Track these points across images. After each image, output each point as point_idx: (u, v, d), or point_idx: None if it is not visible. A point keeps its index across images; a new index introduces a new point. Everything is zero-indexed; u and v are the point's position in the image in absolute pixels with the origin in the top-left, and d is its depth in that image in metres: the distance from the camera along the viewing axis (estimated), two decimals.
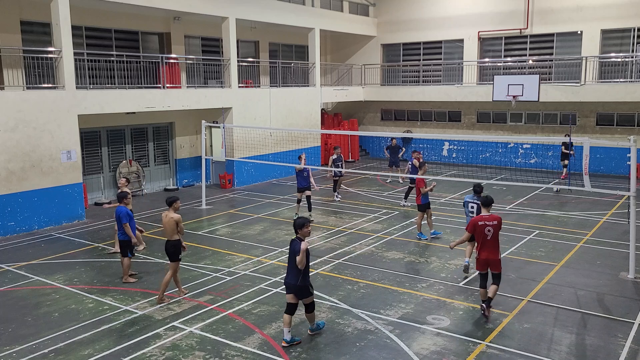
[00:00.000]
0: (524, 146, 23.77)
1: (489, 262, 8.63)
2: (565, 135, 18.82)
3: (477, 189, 11.03)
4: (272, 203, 17.46)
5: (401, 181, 20.59)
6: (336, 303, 9.36)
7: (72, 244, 13.18)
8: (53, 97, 14.61)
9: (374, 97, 26.86)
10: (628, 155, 10.71)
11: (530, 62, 23.63)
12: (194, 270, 11.00)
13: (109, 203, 12.55)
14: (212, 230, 14.25)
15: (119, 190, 11.99)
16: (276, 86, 22.44)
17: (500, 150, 24.36)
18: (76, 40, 16.33)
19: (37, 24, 16.23)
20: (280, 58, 24.81)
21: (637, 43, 21.31)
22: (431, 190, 12.94)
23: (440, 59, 26.03)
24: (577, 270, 10.86)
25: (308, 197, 15.31)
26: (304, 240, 7.72)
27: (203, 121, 17.50)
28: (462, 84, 24.47)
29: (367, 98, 26.98)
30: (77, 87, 15.22)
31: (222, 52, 20.09)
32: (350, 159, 26.29)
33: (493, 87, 21.13)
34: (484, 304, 8.68)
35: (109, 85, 16.81)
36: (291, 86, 23.25)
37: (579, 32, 22.52)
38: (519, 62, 23.90)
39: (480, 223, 8.59)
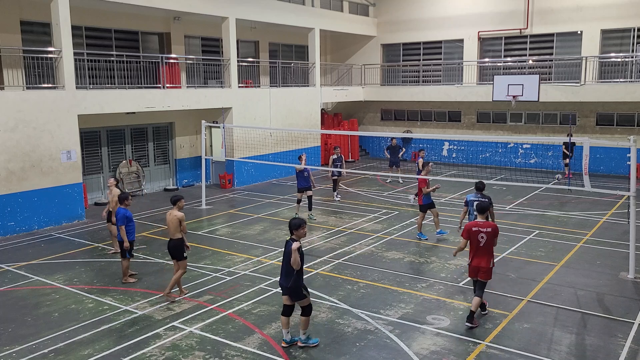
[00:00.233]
0: (524, 146, 23.78)
1: (479, 269, 8.42)
2: (567, 135, 18.83)
3: (480, 186, 11.02)
4: (272, 203, 17.47)
5: (401, 181, 20.60)
6: (336, 303, 9.36)
7: (72, 244, 13.18)
8: (53, 97, 14.61)
9: (374, 97, 26.86)
10: (628, 155, 10.70)
11: (530, 62, 23.63)
12: (194, 270, 10.99)
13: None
14: (212, 230, 14.25)
15: (109, 191, 11.99)
16: (276, 86, 22.44)
17: (500, 150, 24.36)
18: (76, 40, 16.33)
19: (37, 24, 16.23)
20: (280, 58, 24.81)
21: (637, 43, 21.31)
22: (433, 191, 12.91)
23: (440, 59, 26.03)
24: (577, 270, 10.86)
25: (309, 197, 15.31)
26: (298, 242, 7.56)
27: (203, 121, 17.50)
28: (462, 84, 24.47)
29: (367, 98, 26.98)
30: (77, 87, 15.22)
31: (222, 52, 20.09)
32: (350, 159, 26.29)
33: (493, 87, 21.14)
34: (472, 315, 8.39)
35: (109, 85, 16.81)
36: (291, 86, 23.26)
37: (579, 32, 22.52)
38: (519, 62, 23.90)
39: (474, 229, 8.42)
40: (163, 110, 17.95)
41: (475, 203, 11.00)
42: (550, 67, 23.20)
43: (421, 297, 9.58)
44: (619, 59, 21.44)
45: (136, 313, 9.02)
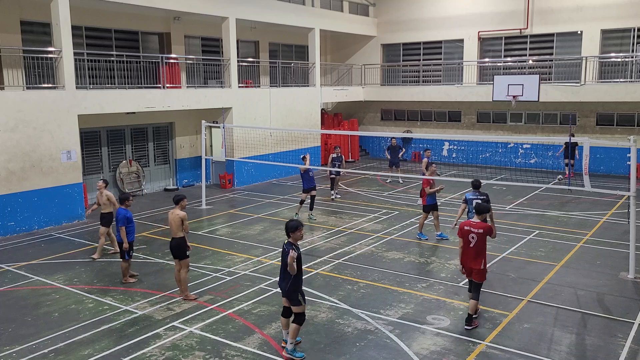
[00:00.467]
0: (524, 146, 23.78)
1: (471, 270, 8.30)
2: (568, 135, 18.84)
3: (476, 184, 11.05)
4: (272, 203, 17.46)
5: (401, 181, 20.60)
6: (336, 303, 9.36)
7: (72, 244, 13.18)
8: (53, 97, 14.61)
9: (374, 97, 26.86)
10: (628, 155, 10.70)
11: (530, 62, 23.63)
12: (194, 270, 10.98)
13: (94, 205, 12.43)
14: (212, 230, 14.25)
15: (99, 193, 11.95)
16: (276, 86, 22.44)
17: (500, 150, 24.36)
18: (76, 40, 16.32)
19: (37, 24, 16.23)
20: (280, 58, 24.81)
21: (637, 43, 21.31)
22: (437, 191, 12.89)
23: (440, 59, 26.03)
24: (577, 270, 10.86)
25: (312, 197, 15.32)
26: (295, 244, 7.42)
27: (203, 121, 17.50)
28: (462, 84, 24.47)
29: (367, 98, 26.98)
30: (77, 87, 15.22)
31: (222, 52, 20.09)
32: (350, 159, 26.30)
33: (493, 87, 21.15)
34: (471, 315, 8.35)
35: (109, 85, 16.81)
36: (291, 86, 23.26)
37: (579, 32, 22.52)
38: (519, 62, 23.90)
39: (466, 228, 8.29)
40: (163, 110, 17.95)
41: (474, 201, 11.04)
42: (550, 67, 23.20)
43: (421, 297, 9.59)
44: (619, 59, 21.43)
45: (136, 313, 9.02)
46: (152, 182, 19.67)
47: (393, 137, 21.42)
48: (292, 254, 7.22)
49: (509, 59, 24.11)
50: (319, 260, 11.67)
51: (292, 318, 7.58)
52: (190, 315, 8.90)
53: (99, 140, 17.89)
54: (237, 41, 20.40)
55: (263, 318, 8.78)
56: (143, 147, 19.36)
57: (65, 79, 14.78)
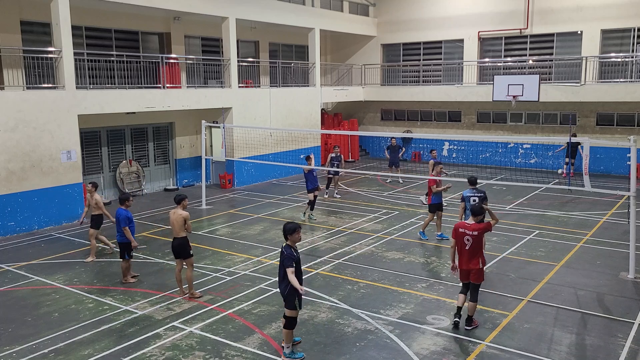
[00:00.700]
0: (524, 146, 23.77)
1: (470, 272, 8.18)
2: (570, 135, 18.88)
3: (472, 180, 11.05)
4: (272, 203, 17.47)
5: (401, 181, 20.60)
6: (336, 303, 9.36)
7: (72, 244, 13.18)
8: (53, 97, 14.61)
9: (374, 97, 26.86)
10: (628, 155, 10.71)
11: (530, 62, 23.63)
12: (194, 270, 10.96)
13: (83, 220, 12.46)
14: (212, 230, 14.25)
15: (89, 195, 11.90)
16: (276, 86, 22.44)
17: (500, 150, 24.36)
18: (76, 40, 16.32)
19: (37, 24, 16.23)
20: (280, 58, 24.81)
21: (637, 43, 21.31)
22: (445, 190, 12.86)
23: (440, 59, 26.03)
24: (577, 270, 10.86)
25: (315, 197, 15.32)
26: (293, 247, 7.31)
27: (203, 121, 17.50)
28: (462, 84, 24.47)
29: (367, 98, 26.98)
30: (77, 87, 15.22)
31: (222, 52, 20.09)
32: (350, 159, 26.30)
33: (493, 87, 21.15)
34: (458, 316, 8.24)
35: (109, 85, 16.81)
36: (291, 86, 23.26)
37: (579, 32, 22.51)
38: (519, 62, 23.90)
39: (460, 230, 8.17)
40: (163, 110, 17.95)
41: (471, 199, 11.06)
42: (550, 67, 23.20)
43: (421, 297, 9.59)
44: (619, 59, 21.43)
45: (136, 313, 9.02)
46: (152, 182, 19.67)
47: (393, 137, 21.44)
48: (291, 271, 7.16)
49: (509, 59, 24.11)
50: (319, 260, 11.67)
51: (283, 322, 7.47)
52: (190, 315, 8.90)
53: (99, 140, 17.89)
54: (237, 41, 20.40)
55: (263, 318, 8.78)
56: (143, 147, 19.36)
57: (65, 79, 14.78)
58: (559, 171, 21.31)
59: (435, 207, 12.92)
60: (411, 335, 8.15)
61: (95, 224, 11.90)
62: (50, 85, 15.13)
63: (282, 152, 21.44)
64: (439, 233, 13.16)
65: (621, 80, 20.87)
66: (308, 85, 23.89)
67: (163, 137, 20.01)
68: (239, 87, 20.29)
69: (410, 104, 26.45)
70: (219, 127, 17.81)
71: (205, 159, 17.68)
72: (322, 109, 25.15)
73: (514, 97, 20.35)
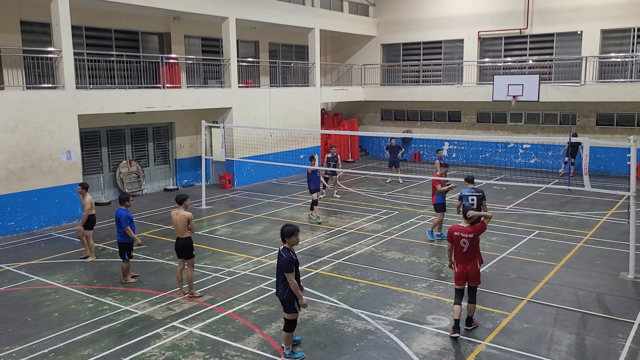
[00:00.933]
0: (524, 146, 23.77)
1: (468, 274, 8.08)
2: (570, 135, 18.91)
3: (470, 179, 11.03)
4: (272, 203, 17.47)
5: (401, 181, 20.60)
6: (336, 303, 9.36)
7: (72, 244, 13.18)
8: (53, 97, 14.61)
9: (374, 97, 26.85)
10: (628, 155, 10.70)
11: (530, 62, 23.63)
12: (194, 270, 10.97)
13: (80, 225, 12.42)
14: (212, 230, 14.25)
15: (81, 197, 11.85)
16: (276, 86, 22.44)
17: (500, 150, 24.36)
18: (76, 40, 16.33)
19: (37, 24, 16.23)
20: (280, 58, 24.81)
21: (637, 43, 21.30)
22: (449, 189, 12.83)
23: (440, 59, 26.02)
24: (577, 270, 10.86)
25: (317, 197, 15.32)
26: (291, 250, 7.26)
27: (203, 121, 17.50)
28: (462, 84, 24.47)
29: (367, 98, 26.98)
30: (77, 87, 15.23)
31: (222, 52, 20.09)
32: (350, 159, 26.30)
33: (493, 87, 21.14)
34: (456, 327, 8.02)
35: (109, 85, 16.81)
36: (291, 86, 23.25)
37: (579, 32, 22.51)
38: (519, 62, 23.90)
39: (455, 234, 8.08)
40: (163, 110, 17.95)
41: (470, 197, 11.06)
42: (550, 67, 23.19)
43: (421, 297, 9.59)
44: (619, 59, 21.43)
45: (136, 313, 9.02)
46: (152, 182, 19.67)
47: (393, 137, 21.44)
48: (291, 278, 7.13)
49: (509, 59, 24.11)
50: (319, 260, 11.67)
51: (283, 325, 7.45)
52: (190, 315, 8.90)
53: (99, 140, 17.89)
54: (237, 41, 20.40)
55: (263, 318, 8.78)
56: (143, 147, 19.36)
57: (65, 79, 14.78)
58: (560, 171, 21.42)
59: (440, 207, 12.91)
60: (411, 335, 8.15)
61: (89, 225, 11.82)
62: (50, 85, 15.13)
63: (282, 152, 21.44)
64: (439, 233, 13.16)
65: (621, 80, 20.86)
66: (308, 85, 23.89)
67: (163, 137, 20.01)
68: (239, 87, 20.29)
69: (410, 104, 26.44)
70: (218, 127, 17.81)
71: (205, 159, 17.68)
72: (322, 109, 25.15)
73: (514, 97, 20.35)
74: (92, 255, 11.88)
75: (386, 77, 27.27)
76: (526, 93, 20.15)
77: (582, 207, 16.35)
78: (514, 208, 16.34)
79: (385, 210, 16.15)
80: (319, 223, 14.64)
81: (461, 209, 10.92)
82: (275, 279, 7.64)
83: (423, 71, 26.58)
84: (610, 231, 13.62)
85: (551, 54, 23.36)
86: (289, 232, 7.26)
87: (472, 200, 10.94)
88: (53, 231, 14.38)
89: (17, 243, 13.33)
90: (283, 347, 7.55)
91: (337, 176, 18.56)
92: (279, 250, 7.33)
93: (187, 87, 19.69)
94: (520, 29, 23.60)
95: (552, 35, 23.22)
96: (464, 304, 8.31)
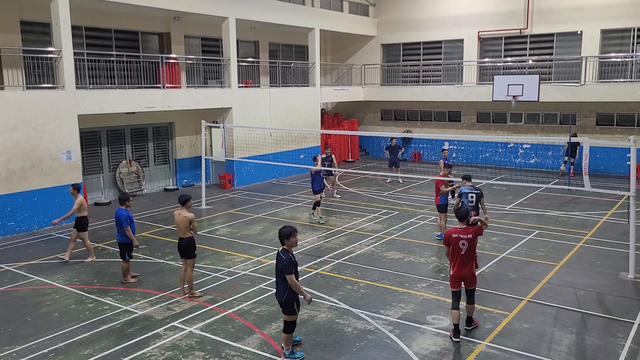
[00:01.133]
0: (524, 146, 23.77)
1: (464, 277, 8.06)
2: (571, 135, 18.93)
3: (467, 177, 11.06)
4: (272, 203, 17.47)
5: (401, 181, 20.60)
6: (336, 303, 9.36)
7: None
8: (53, 97, 14.61)
9: (374, 97, 26.85)
10: (628, 155, 10.71)
11: (530, 62, 23.63)
12: (194, 270, 10.96)
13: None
14: (212, 230, 14.25)
15: (73, 196, 11.79)
16: (276, 86, 22.44)
17: (500, 150, 24.36)
18: (76, 40, 16.33)
19: (37, 24, 16.23)
20: (280, 58, 24.80)
21: (637, 43, 21.31)
22: (453, 189, 12.82)
23: (440, 59, 26.02)
24: (577, 270, 10.86)
25: (321, 198, 15.30)
26: (290, 251, 7.24)
27: (203, 121, 17.51)
28: (462, 84, 24.47)
29: (367, 98, 26.98)
30: (77, 87, 15.23)
31: (222, 52, 20.09)
32: (350, 159, 26.30)
33: (493, 87, 21.14)
34: (457, 331, 7.98)
35: (109, 85, 16.81)
36: (291, 86, 23.25)
37: (579, 32, 22.51)
38: (519, 62, 23.90)
39: (454, 236, 7.97)
40: (163, 110, 17.95)
41: (469, 195, 11.07)
42: (550, 67, 23.20)
43: (421, 297, 9.59)
44: (619, 59, 21.43)
45: (136, 313, 9.02)
46: (152, 182, 19.67)
47: (393, 137, 21.44)
48: (291, 278, 7.10)
49: (509, 59, 24.11)
50: (319, 260, 11.67)
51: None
52: (190, 315, 8.90)
53: (99, 140, 17.89)
54: (237, 41, 20.40)
55: (263, 318, 8.78)
56: (143, 147, 19.35)
57: (65, 79, 14.78)
58: (560, 169, 21.48)
59: (444, 208, 12.90)
60: (411, 335, 8.15)
61: (82, 226, 11.77)
62: (50, 85, 15.13)
63: (282, 152, 21.44)
64: (439, 233, 13.15)
65: (621, 80, 20.87)
66: (308, 85, 23.89)
67: (163, 137, 20.01)
68: (239, 87, 20.29)
69: (410, 104, 26.44)
70: (218, 127, 17.81)
71: (205, 159, 17.68)
72: (322, 109, 25.15)
73: (513, 97, 20.35)
74: (91, 256, 11.88)
75: (386, 77, 27.27)
76: (526, 93, 20.15)
77: (582, 207, 16.35)
78: (514, 208, 16.34)
79: (385, 210, 16.15)
80: (322, 224, 14.63)
81: (455, 209, 10.87)
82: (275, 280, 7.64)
83: (423, 71, 26.58)
84: (610, 231, 13.62)
85: (551, 54, 23.36)
86: (287, 234, 7.24)
87: (472, 197, 10.95)
88: (53, 231, 14.38)
89: (17, 243, 13.33)
90: (283, 347, 7.55)
91: (335, 176, 18.53)
92: (278, 252, 7.31)
93: (187, 87, 19.69)
94: (520, 29, 23.60)
95: (552, 35, 23.23)
96: (462, 304, 8.31)
